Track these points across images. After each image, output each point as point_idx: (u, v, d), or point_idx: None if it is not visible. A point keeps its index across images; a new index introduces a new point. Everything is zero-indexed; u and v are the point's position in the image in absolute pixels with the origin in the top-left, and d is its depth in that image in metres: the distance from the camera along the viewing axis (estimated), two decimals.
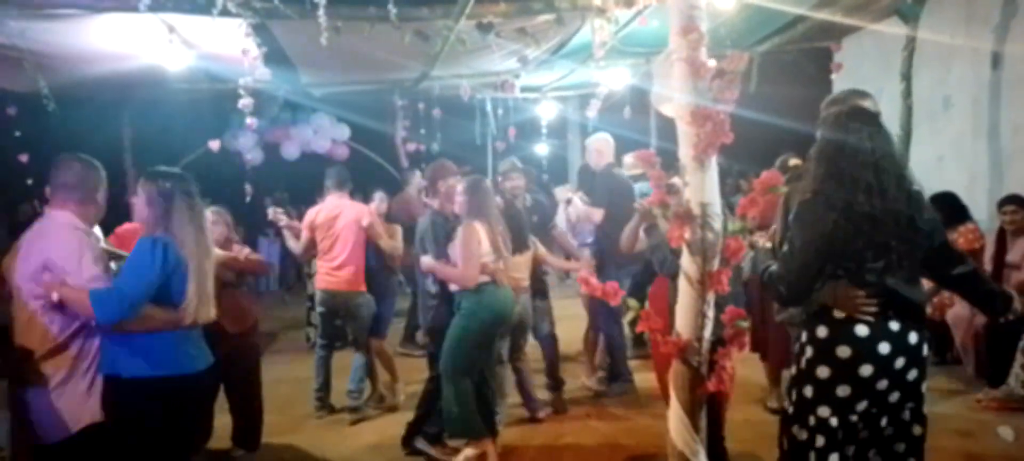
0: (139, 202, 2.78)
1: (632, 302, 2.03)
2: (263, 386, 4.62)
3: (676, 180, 2.06)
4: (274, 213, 5.28)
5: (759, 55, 6.78)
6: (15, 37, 4.62)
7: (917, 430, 2.52)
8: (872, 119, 2.50)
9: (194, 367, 2.78)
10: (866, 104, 2.67)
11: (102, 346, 2.71)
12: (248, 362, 4.43)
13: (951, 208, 5.69)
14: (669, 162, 2.49)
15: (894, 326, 2.41)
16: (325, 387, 5.34)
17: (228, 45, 4.96)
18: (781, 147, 4.56)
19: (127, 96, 8.12)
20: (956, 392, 5.27)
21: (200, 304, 2.73)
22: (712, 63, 1.93)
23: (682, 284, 1.97)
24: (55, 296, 2.54)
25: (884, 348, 2.39)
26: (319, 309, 5.31)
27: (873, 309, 2.38)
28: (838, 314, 2.41)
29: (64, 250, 2.60)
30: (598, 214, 5.30)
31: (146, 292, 2.59)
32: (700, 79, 1.89)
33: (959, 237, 5.60)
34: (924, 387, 2.52)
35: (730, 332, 1.98)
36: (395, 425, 4.76)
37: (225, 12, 4.34)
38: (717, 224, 1.91)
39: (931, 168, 6.18)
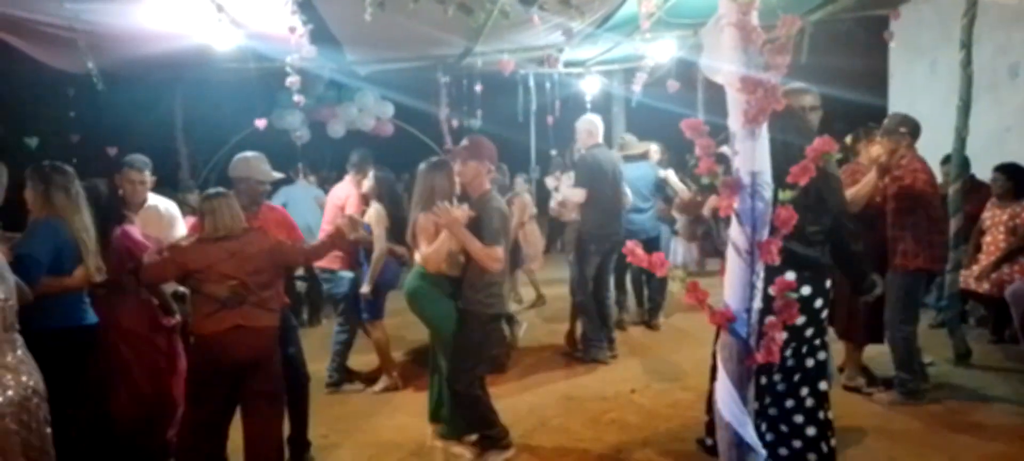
0: (29, 193, 3.49)
1: (678, 272, 2.00)
2: None
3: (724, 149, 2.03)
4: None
5: (811, 24, 6.58)
6: (71, 19, 4.74)
7: (796, 375, 3.15)
8: (789, 112, 3.06)
9: (90, 319, 3.57)
10: (804, 101, 3.35)
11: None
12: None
13: (1017, 179, 5.49)
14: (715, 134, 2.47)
15: (788, 276, 2.88)
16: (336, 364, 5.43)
17: (275, 23, 5.01)
18: (834, 118, 4.45)
19: (178, 76, 8.30)
20: (1014, 371, 5.13)
21: (92, 268, 3.47)
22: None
23: (730, 254, 1.94)
24: None
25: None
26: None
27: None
28: None
29: None
30: (580, 194, 5.70)
31: (46, 256, 3.29)
32: (751, 44, 1.85)
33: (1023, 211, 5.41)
34: (809, 333, 3.12)
35: (780, 304, 1.95)
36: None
37: None
38: (767, 193, 1.88)
39: (994, 139, 5.95)
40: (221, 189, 3.76)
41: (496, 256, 3.76)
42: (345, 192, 5.49)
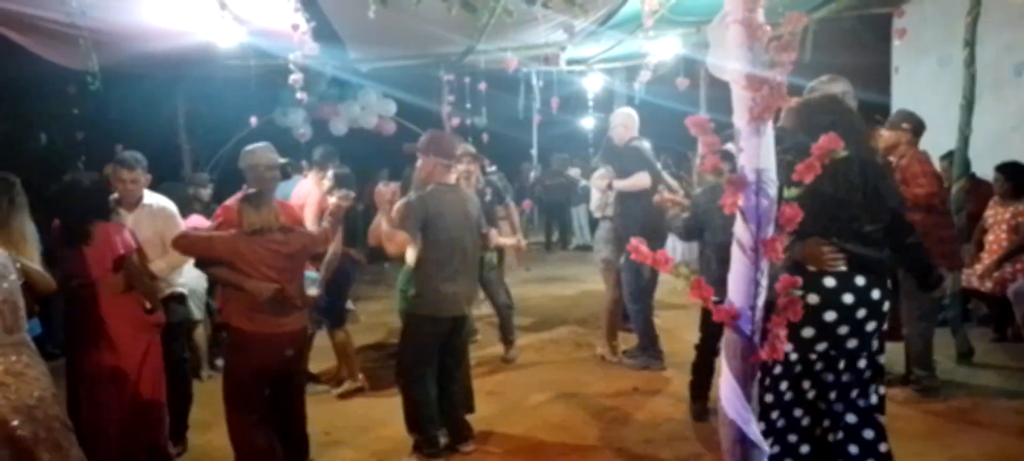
0: None
1: (683, 269, 2.00)
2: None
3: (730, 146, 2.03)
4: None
5: (815, 22, 6.58)
6: (75, 16, 4.74)
7: (867, 375, 2.94)
8: (838, 106, 2.97)
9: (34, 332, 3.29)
10: (836, 88, 3.22)
11: None
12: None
13: (1017, 179, 5.49)
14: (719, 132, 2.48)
15: (859, 281, 2.81)
16: None
17: (277, 20, 5.02)
18: None
19: (180, 73, 8.30)
20: (1016, 368, 5.13)
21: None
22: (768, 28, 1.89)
23: (735, 252, 1.94)
24: None
25: (848, 298, 2.80)
26: None
27: (841, 265, 2.79)
28: (811, 268, 2.80)
29: None
30: (644, 179, 5.37)
31: None
32: (756, 41, 1.85)
33: None
34: (871, 327, 2.88)
35: (784, 301, 1.95)
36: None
37: None
38: (772, 190, 1.87)
39: (998, 139, 5.93)
40: (256, 189, 3.85)
41: (391, 238, 3.75)
42: (305, 190, 5.31)
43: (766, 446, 2.06)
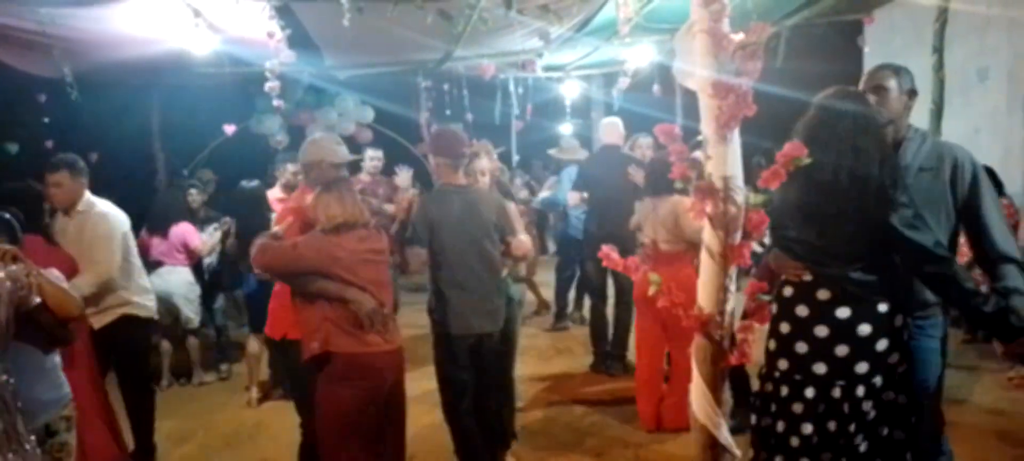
0: None
1: (654, 276, 2.02)
2: None
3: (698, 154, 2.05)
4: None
5: (787, 29, 6.66)
6: (45, 23, 4.68)
7: (871, 415, 2.41)
8: (857, 96, 2.53)
9: None
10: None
11: None
12: None
13: None
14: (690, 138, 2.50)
15: (841, 313, 2.35)
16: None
17: (252, 28, 5.00)
18: None
19: (154, 81, 8.22)
20: (987, 370, 5.21)
21: None
22: (737, 37, 1.92)
23: (704, 258, 1.96)
24: None
25: (822, 331, 2.37)
26: None
27: (801, 278, 2.39)
28: (787, 291, 2.47)
29: None
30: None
31: None
32: (722, 51, 1.87)
33: None
34: (862, 368, 2.35)
35: (752, 306, 1.97)
36: None
37: None
38: (739, 197, 1.90)
39: (965, 141, 5.97)
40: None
41: (412, 257, 3.41)
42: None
43: (737, 451, 2.08)
